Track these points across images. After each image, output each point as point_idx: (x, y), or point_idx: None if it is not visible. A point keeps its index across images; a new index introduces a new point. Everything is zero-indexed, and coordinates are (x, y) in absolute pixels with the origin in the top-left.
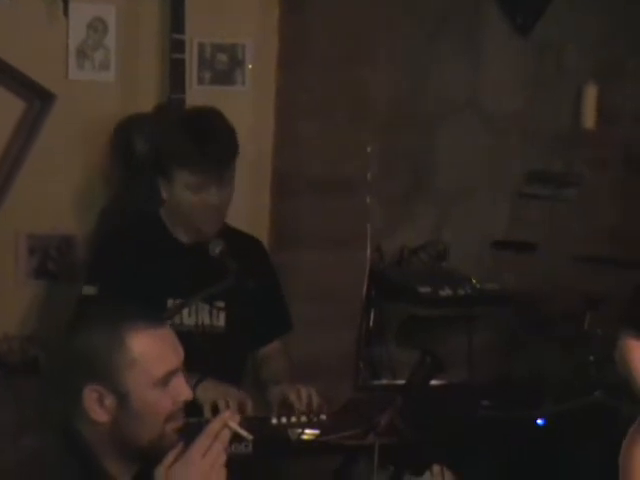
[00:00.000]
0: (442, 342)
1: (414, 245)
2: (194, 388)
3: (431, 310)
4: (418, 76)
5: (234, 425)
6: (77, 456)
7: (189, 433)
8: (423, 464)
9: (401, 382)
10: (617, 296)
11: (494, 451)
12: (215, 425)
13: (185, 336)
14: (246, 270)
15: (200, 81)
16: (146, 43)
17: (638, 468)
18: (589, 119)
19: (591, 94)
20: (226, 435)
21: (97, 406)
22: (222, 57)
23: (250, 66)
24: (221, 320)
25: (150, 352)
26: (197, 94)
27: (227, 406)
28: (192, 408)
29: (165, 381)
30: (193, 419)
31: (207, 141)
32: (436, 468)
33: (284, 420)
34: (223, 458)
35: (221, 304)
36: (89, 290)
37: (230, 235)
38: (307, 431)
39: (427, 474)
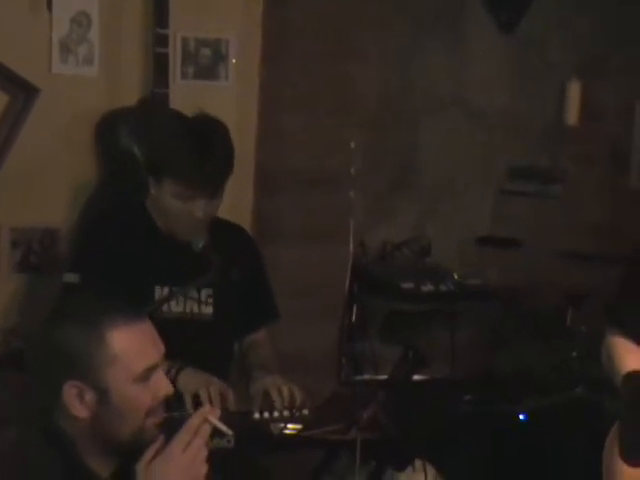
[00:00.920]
0: (425, 337)
1: (397, 240)
2: (175, 377)
3: (414, 305)
4: (403, 72)
5: (214, 420)
6: (58, 451)
7: (170, 427)
8: (405, 459)
9: (384, 377)
10: (601, 292)
11: (476, 446)
12: (195, 420)
13: (173, 324)
14: (230, 261)
15: (184, 76)
16: (130, 37)
17: (621, 465)
18: (573, 115)
19: (575, 90)
20: (206, 430)
21: (77, 402)
22: (206, 52)
23: (234, 61)
24: (209, 308)
25: (130, 348)
26: (180, 89)
27: (208, 396)
28: (173, 397)
29: (145, 376)
30: (174, 413)
31: (206, 161)
32: (418, 463)
33: (266, 415)
34: (204, 453)
35: (209, 292)
36: (71, 278)
37: (215, 225)
38: (289, 426)
39: (409, 469)
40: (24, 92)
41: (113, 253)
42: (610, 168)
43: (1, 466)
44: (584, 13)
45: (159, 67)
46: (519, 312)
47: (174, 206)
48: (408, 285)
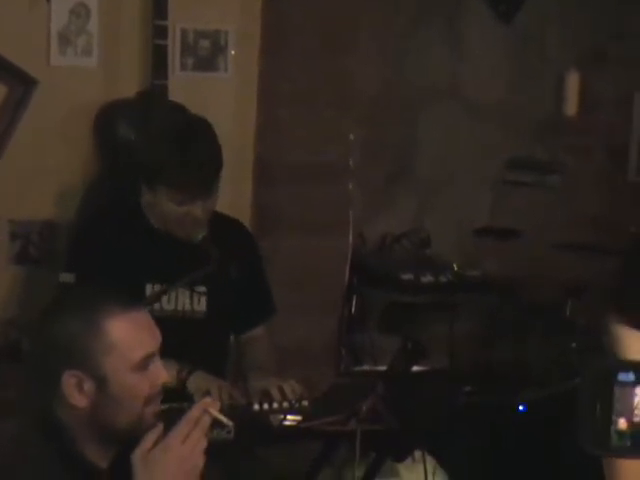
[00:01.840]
0: (424, 329)
1: (396, 232)
2: (186, 379)
3: (413, 297)
4: (401, 65)
5: (214, 411)
6: (56, 441)
7: (170, 418)
8: (404, 450)
9: (383, 368)
10: (600, 283)
11: (475, 437)
12: (195, 411)
13: (165, 322)
14: (228, 256)
15: (183, 67)
16: (129, 29)
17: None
18: (571, 106)
19: (573, 81)
20: (206, 421)
21: (76, 391)
22: (205, 43)
23: (233, 52)
24: (202, 305)
25: (127, 336)
26: (179, 80)
27: (219, 395)
28: (183, 398)
29: (143, 365)
30: (174, 404)
31: (194, 164)
32: (417, 454)
33: (266, 406)
34: (203, 444)
35: (202, 289)
36: (66, 277)
37: (214, 220)
38: (289, 417)
39: (408, 460)
40: (22, 84)
41: (107, 251)
42: (608, 159)
43: (0, 458)
44: (582, 4)
45: (158, 59)
46: (518, 303)
47: (171, 210)
48: (408, 276)
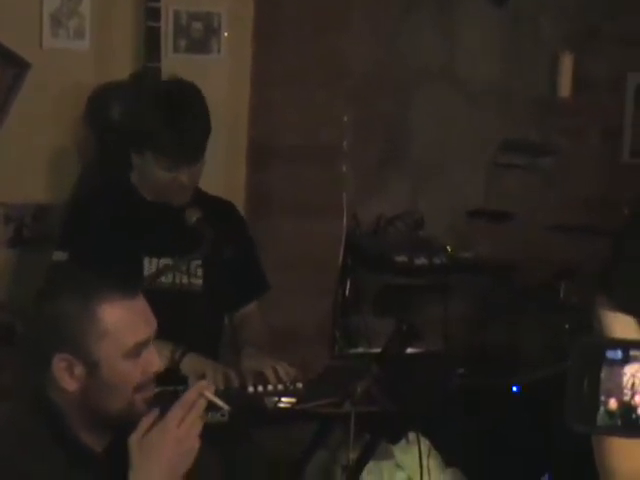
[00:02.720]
0: (418, 311)
1: (390, 214)
2: (179, 360)
3: (407, 279)
4: (394, 46)
5: (210, 395)
6: (50, 424)
7: (164, 401)
8: (399, 432)
9: (377, 351)
10: (593, 265)
11: (469, 418)
12: (191, 394)
13: (162, 295)
14: (222, 238)
15: (176, 49)
16: (121, 11)
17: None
18: (565, 88)
19: (567, 63)
20: (202, 405)
21: (67, 375)
22: (198, 25)
23: (226, 34)
24: (199, 279)
25: (121, 323)
26: (172, 62)
27: (214, 378)
28: (177, 379)
29: (136, 352)
30: (169, 388)
31: (182, 129)
32: (412, 436)
33: (260, 388)
34: (198, 427)
35: (198, 263)
36: (59, 256)
37: (205, 201)
38: (283, 399)
39: (403, 442)
40: (15, 66)
41: (102, 228)
42: (602, 141)
43: None
44: None
45: (151, 41)
46: (511, 286)
47: (159, 176)
48: (402, 259)
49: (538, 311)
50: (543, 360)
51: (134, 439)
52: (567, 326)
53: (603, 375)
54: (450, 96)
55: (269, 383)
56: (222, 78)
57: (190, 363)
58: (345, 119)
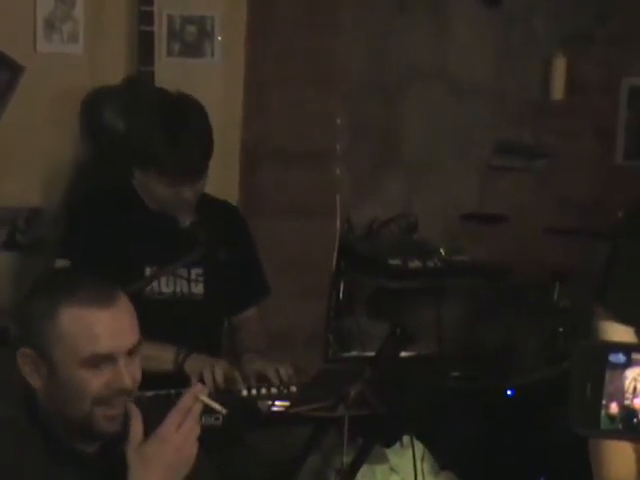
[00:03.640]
0: (412, 314)
1: (384, 217)
2: (183, 362)
3: (401, 282)
4: (387, 48)
5: (205, 398)
6: (37, 425)
7: (158, 405)
8: (393, 436)
9: (371, 354)
10: (587, 267)
11: (464, 421)
12: (187, 399)
13: (164, 305)
14: (218, 239)
15: (169, 53)
16: (114, 15)
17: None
18: (558, 90)
19: (560, 65)
20: (198, 409)
21: (32, 370)
22: (191, 29)
23: (219, 38)
24: (199, 287)
25: (79, 330)
26: (166, 66)
27: (212, 376)
28: (180, 380)
29: (93, 363)
30: (161, 391)
31: (186, 147)
32: (406, 439)
33: (254, 392)
34: (196, 432)
35: (199, 271)
36: (61, 263)
37: (204, 203)
38: (277, 403)
39: (397, 445)
40: (8, 70)
41: (101, 235)
42: (595, 143)
43: None
44: None
45: (144, 45)
46: (505, 288)
47: (162, 192)
48: (395, 262)
49: (532, 314)
50: (537, 362)
51: (132, 449)
52: (561, 328)
53: (606, 379)
54: (443, 98)
55: (263, 385)
56: (216, 81)
57: (193, 363)
58: (338, 121)
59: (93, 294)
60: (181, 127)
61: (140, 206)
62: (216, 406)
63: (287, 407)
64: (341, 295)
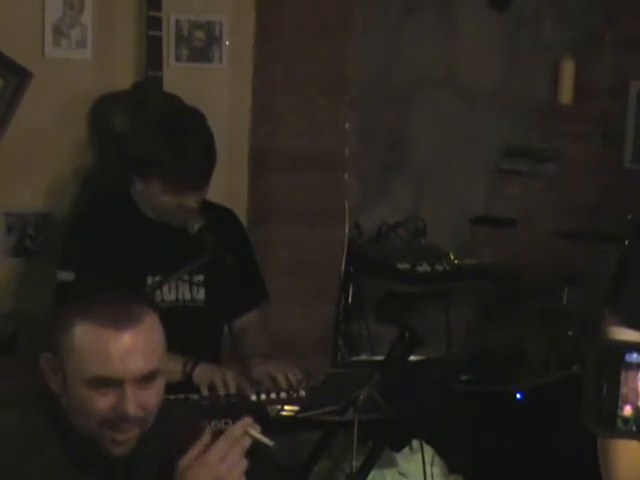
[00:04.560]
0: (421, 317)
1: (392, 221)
2: (191, 371)
3: (409, 286)
4: (395, 51)
5: (255, 432)
6: (58, 429)
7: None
8: (402, 440)
9: (380, 358)
10: (595, 271)
11: (473, 425)
12: (236, 430)
13: (166, 312)
14: (224, 244)
15: (177, 58)
16: (123, 20)
17: (617, 444)
18: (566, 94)
19: (568, 68)
20: (246, 442)
21: (52, 374)
22: (199, 34)
23: (227, 43)
24: (201, 294)
25: (88, 348)
26: (174, 71)
27: (224, 382)
28: (189, 389)
29: (95, 384)
30: (180, 395)
31: (188, 159)
32: (415, 443)
33: (263, 396)
34: (242, 466)
35: (200, 278)
36: (64, 276)
37: (206, 208)
38: (286, 407)
39: (406, 449)
40: (17, 76)
41: (105, 247)
42: (604, 147)
43: (3, 447)
44: None
45: (153, 50)
46: (514, 291)
47: (165, 201)
48: (404, 266)
49: (541, 317)
50: (547, 366)
51: (183, 464)
52: (570, 332)
53: (622, 379)
54: (452, 102)
55: (271, 390)
56: (224, 86)
57: (202, 373)
58: (347, 126)
59: (111, 313)
60: (185, 137)
61: (141, 217)
62: (265, 440)
63: (296, 411)
64: (350, 299)
